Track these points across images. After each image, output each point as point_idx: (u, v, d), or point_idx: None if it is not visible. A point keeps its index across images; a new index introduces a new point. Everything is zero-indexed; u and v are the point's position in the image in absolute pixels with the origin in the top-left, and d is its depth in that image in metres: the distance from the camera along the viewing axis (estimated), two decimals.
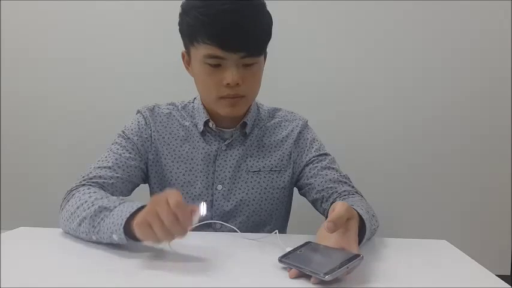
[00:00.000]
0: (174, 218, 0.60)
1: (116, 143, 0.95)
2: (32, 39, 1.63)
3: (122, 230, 0.71)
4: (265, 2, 0.87)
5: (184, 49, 0.92)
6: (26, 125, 1.67)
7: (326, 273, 0.54)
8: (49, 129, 1.66)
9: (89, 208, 0.78)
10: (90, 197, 0.80)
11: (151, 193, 1.01)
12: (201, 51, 0.83)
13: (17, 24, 1.62)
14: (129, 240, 0.71)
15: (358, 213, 0.71)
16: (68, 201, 0.84)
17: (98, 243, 0.76)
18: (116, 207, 0.74)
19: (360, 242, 0.71)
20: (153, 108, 1.00)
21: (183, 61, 0.94)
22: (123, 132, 0.96)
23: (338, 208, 0.64)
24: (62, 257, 0.71)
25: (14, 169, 1.67)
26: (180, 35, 0.90)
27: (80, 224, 0.77)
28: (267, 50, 0.89)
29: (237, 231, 0.82)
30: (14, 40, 1.63)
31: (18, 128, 1.67)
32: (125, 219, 0.72)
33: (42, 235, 0.83)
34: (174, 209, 0.60)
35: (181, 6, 0.87)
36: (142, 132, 0.96)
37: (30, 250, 0.76)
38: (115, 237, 0.72)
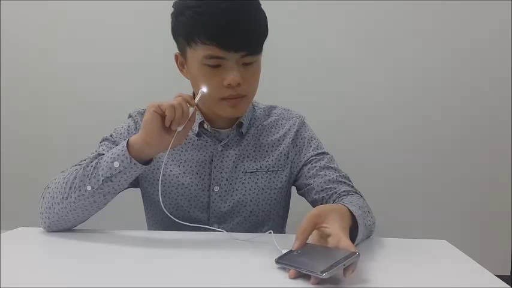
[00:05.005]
0: (182, 99, 0.75)
1: (104, 145, 0.93)
2: (32, 39, 1.63)
3: (125, 149, 0.76)
4: (265, 0, 0.87)
5: (177, 51, 0.90)
6: (26, 125, 1.67)
7: (323, 271, 0.54)
8: (49, 129, 1.66)
9: (76, 171, 0.81)
10: (71, 172, 0.82)
11: (144, 198, 1.01)
12: (200, 52, 0.82)
13: (17, 24, 1.62)
14: (131, 162, 0.75)
15: (350, 210, 0.72)
16: (48, 188, 0.86)
17: (91, 196, 0.78)
18: (105, 154, 0.80)
19: (355, 237, 0.71)
20: (144, 112, 0.98)
21: (177, 63, 0.93)
22: (111, 136, 0.95)
23: (301, 224, 0.65)
24: (61, 257, 0.71)
25: (14, 169, 1.67)
26: (172, 36, 0.88)
27: (70, 188, 0.79)
28: (264, 48, 0.88)
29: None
30: (14, 40, 1.63)
31: (18, 128, 1.67)
32: (125, 144, 0.77)
33: (42, 235, 0.83)
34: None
35: (174, 6, 0.86)
36: (131, 136, 0.93)
37: (30, 250, 0.76)
38: (116, 164, 0.75)
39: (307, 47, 1.58)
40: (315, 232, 0.68)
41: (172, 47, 0.91)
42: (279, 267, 0.62)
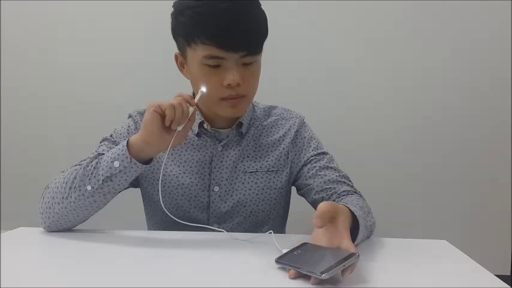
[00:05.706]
0: (182, 99, 0.75)
1: (104, 145, 0.92)
2: (32, 39, 1.63)
3: (125, 148, 0.76)
4: (265, 1, 0.87)
5: (177, 51, 0.90)
6: (26, 125, 1.67)
7: (322, 272, 0.54)
8: (49, 129, 1.66)
9: (76, 171, 0.81)
10: (71, 172, 0.82)
11: (144, 197, 1.01)
12: (200, 52, 0.82)
13: (17, 24, 1.62)
14: (131, 162, 0.75)
15: (351, 210, 0.72)
16: (48, 188, 0.86)
17: (91, 195, 0.78)
18: (105, 154, 0.80)
19: (356, 237, 0.71)
20: (144, 112, 0.98)
21: (177, 63, 0.92)
22: (111, 136, 0.95)
23: (322, 205, 0.63)
24: (61, 257, 0.71)
25: (14, 169, 1.67)
26: (172, 36, 0.88)
27: (70, 188, 0.79)
28: (264, 48, 0.88)
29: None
30: (14, 40, 1.63)
31: (18, 128, 1.67)
32: (125, 144, 0.76)
33: (42, 235, 0.83)
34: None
35: (174, 6, 0.86)
36: (131, 136, 0.92)
37: (30, 250, 0.76)
38: (116, 163, 0.75)
39: (307, 47, 1.58)
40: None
41: (172, 47, 0.91)
42: (279, 267, 0.62)
